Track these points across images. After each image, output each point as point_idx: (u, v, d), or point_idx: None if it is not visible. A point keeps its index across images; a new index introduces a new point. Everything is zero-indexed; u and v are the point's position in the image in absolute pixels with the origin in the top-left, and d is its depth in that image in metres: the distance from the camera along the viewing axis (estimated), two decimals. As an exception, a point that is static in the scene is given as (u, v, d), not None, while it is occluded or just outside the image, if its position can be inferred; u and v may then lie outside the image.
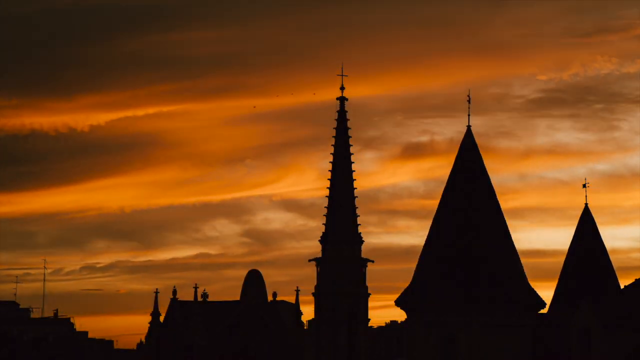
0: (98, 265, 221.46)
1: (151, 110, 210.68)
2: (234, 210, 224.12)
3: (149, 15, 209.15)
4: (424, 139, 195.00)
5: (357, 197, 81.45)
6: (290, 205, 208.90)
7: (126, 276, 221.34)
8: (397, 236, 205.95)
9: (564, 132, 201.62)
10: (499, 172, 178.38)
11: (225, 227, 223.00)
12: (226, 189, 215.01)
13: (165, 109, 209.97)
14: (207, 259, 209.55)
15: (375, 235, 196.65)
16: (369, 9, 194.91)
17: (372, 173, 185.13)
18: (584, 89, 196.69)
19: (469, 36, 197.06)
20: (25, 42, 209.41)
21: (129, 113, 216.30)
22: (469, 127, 57.56)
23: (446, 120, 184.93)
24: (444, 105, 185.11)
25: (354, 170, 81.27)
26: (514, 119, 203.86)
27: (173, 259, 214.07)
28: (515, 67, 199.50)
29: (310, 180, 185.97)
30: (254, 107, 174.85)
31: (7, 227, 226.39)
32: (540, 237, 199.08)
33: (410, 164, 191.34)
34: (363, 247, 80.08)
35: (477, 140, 57.10)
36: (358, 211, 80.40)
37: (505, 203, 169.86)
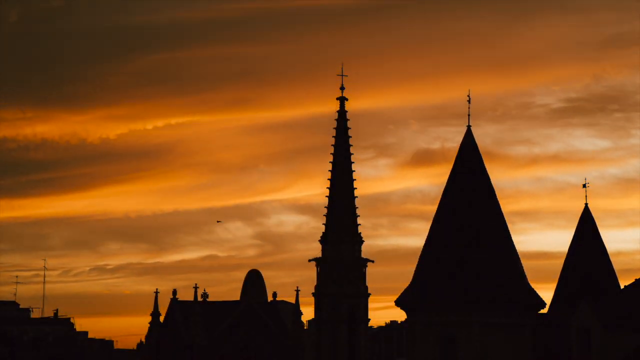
0: (107, 267, 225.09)
1: (160, 122, 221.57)
2: (247, 214, 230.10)
3: (160, 36, 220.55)
4: (436, 145, 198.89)
5: (357, 197, 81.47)
6: (302, 208, 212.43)
7: (134, 278, 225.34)
8: (408, 238, 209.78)
9: (581, 139, 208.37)
10: (514, 176, 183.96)
11: (238, 230, 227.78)
12: (240, 193, 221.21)
13: (173, 121, 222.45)
14: (215, 260, 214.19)
15: (386, 238, 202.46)
16: (391, 23, 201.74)
17: (385, 178, 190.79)
18: (605, 98, 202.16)
19: (489, 49, 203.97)
20: (40, 60, 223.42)
21: (140, 125, 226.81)
22: (469, 127, 57.55)
23: (458, 129, 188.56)
24: (458, 114, 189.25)
25: (354, 170, 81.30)
26: (534, 127, 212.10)
27: (182, 260, 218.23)
28: (536, 79, 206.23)
29: (321, 185, 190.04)
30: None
31: (20, 230, 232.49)
32: (544, 239, 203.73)
33: (422, 170, 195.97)
34: (366, 247, 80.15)
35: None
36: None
37: (517, 205, 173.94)
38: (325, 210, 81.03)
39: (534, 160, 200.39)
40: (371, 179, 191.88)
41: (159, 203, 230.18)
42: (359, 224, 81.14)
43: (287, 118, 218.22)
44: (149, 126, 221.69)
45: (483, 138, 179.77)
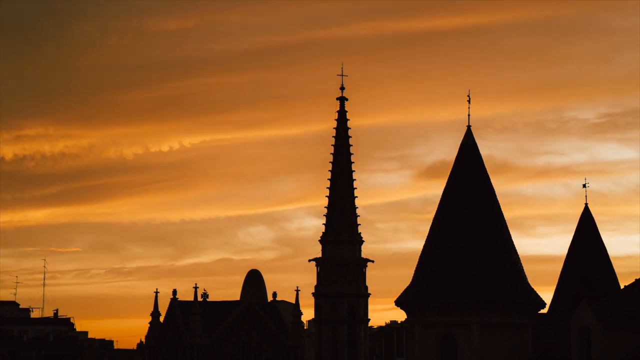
0: (124, 270, 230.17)
1: (176, 144, 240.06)
2: (268, 220, 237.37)
3: (177, 67, 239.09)
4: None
5: (357, 197, 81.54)
6: (320, 213, 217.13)
7: (148, 280, 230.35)
8: (422, 242, 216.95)
9: (610, 150, 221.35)
10: (533, 183, 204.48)
11: (260, 234, 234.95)
12: (262, 202, 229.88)
13: (187, 142, 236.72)
14: (229, 263, 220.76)
15: (405, 242, 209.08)
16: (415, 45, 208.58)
17: (405, 186, 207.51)
18: (636, 113, 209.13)
19: (524, 68, 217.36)
20: (69, 87, 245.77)
21: (155, 146, 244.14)
22: (468, 127, 57.48)
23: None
24: (476, 127, 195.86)
25: (354, 170, 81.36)
26: (568, 141, 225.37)
27: (195, 263, 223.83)
28: (574, 96, 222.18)
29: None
30: None
31: (35, 235, 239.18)
32: (550, 243, 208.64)
33: (440, 180, 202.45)
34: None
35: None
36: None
37: (540, 210, 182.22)
38: (325, 211, 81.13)
39: (557, 169, 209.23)
40: (394, 186, 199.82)
41: (174, 211, 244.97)
42: (359, 224, 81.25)
43: (294, 134, 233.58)
44: (165, 148, 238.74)
45: (508, 151, 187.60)
